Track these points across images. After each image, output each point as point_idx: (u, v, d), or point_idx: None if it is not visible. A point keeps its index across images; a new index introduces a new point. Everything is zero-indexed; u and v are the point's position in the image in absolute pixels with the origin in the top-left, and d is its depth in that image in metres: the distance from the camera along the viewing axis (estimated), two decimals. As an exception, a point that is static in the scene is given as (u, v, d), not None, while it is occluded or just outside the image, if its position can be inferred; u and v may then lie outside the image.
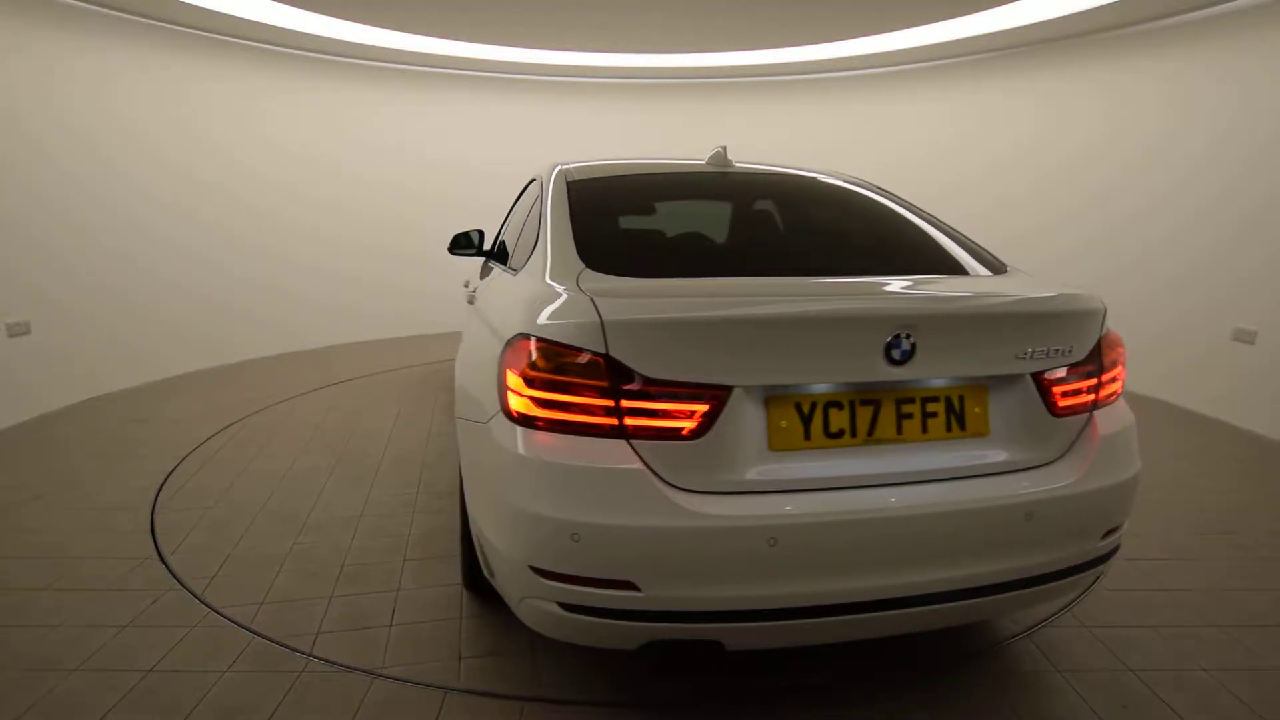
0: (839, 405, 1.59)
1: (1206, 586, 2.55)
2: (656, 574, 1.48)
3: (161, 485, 3.32)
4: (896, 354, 1.55)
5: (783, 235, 2.37)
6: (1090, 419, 1.77)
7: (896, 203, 2.40)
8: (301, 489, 3.30)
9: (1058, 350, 1.69)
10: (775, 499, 1.52)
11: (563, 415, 1.52)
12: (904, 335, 1.54)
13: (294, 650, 2.11)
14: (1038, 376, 1.69)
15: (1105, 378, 1.78)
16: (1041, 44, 5.71)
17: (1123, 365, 1.84)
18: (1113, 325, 1.83)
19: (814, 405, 1.58)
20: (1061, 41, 5.59)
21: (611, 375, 1.49)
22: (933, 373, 1.63)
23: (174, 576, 2.52)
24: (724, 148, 2.51)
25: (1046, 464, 1.71)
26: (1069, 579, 1.74)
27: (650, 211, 2.47)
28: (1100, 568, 1.82)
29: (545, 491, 1.50)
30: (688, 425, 1.51)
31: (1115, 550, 1.83)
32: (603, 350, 1.48)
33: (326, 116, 6.58)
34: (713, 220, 2.48)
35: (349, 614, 2.29)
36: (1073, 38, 5.51)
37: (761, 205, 2.49)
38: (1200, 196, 4.82)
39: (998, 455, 1.68)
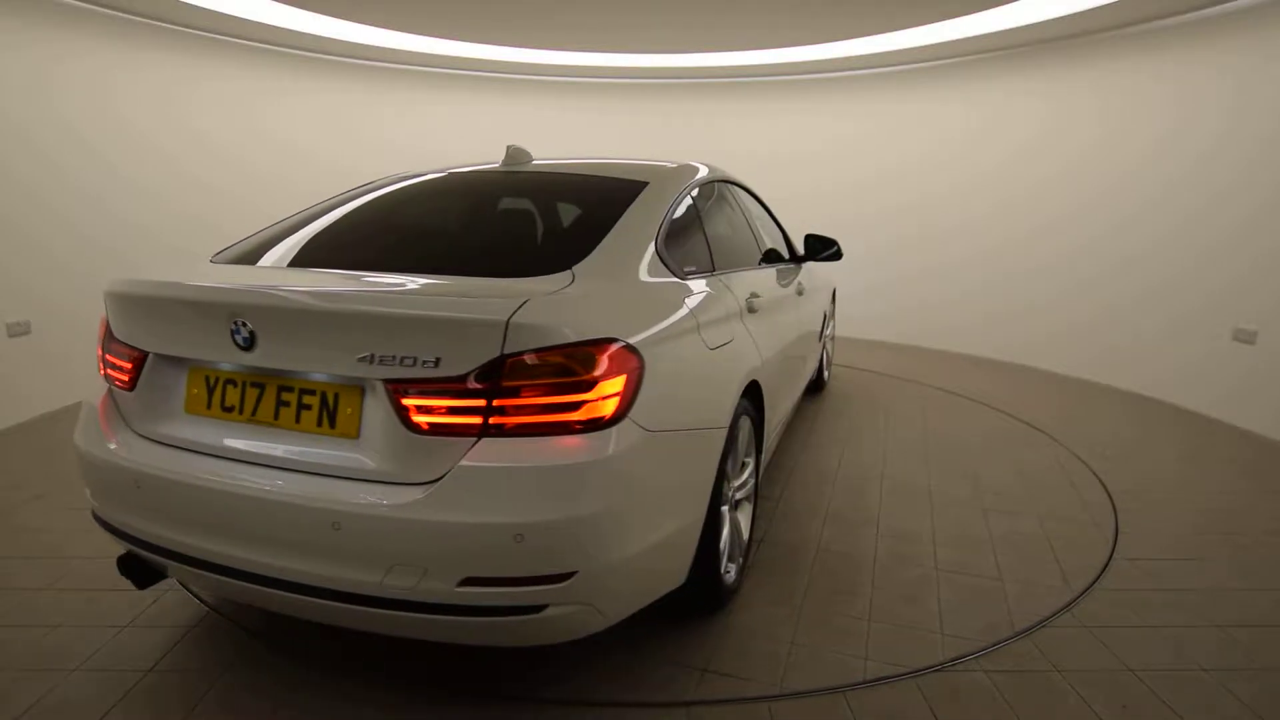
0: (234, 383, 1.76)
1: (1206, 586, 2.55)
2: (94, 489, 1.90)
3: (161, 485, 3.32)
4: (239, 339, 1.65)
5: (428, 233, 2.38)
6: (474, 445, 1.53)
7: (621, 206, 2.19)
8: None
9: (413, 360, 1.51)
10: (167, 452, 1.79)
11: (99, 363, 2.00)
12: (240, 323, 1.63)
13: (293, 650, 2.11)
14: (390, 385, 1.56)
15: (506, 403, 1.52)
16: (1041, 44, 5.71)
17: (563, 395, 1.54)
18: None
19: (217, 379, 1.78)
20: (1060, 42, 5.59)
21: (106, 334, 1.96)
22: (289, 363, 1.66)
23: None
24: (510, 145, 2.71)
25: (407, 483, 1.55)
26: (418, 616, 1.56)
27: (389, 209, 2.47)
28: (464, 619, 1.55)
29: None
30: (123, 379, 1.88)
31: (507, 610, 1.54)
32: (104, 314, 1.96)
33: (331, 117, 6.58)
34: (419, 219, 2.49)
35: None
36: (1072, 38, 5.51)
37: (459, 204, 2.53)
38: (1200, 196, 4.82)
39: (360, 461, 1.60)
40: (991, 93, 6.21)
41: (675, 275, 2.13)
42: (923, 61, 6.50)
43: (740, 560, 2.42)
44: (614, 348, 1.62)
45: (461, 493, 1.51)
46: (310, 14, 5.31)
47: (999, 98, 6.17)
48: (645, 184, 2.35)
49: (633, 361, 1.65)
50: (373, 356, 1.54)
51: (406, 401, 1.55)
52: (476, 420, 1.53)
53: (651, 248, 2.09)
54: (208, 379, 1.78)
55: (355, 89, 6.72)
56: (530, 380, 1.53)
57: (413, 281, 1.74)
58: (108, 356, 1.93)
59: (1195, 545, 2.87)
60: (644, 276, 1.99)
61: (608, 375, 1.59)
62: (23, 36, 4.43)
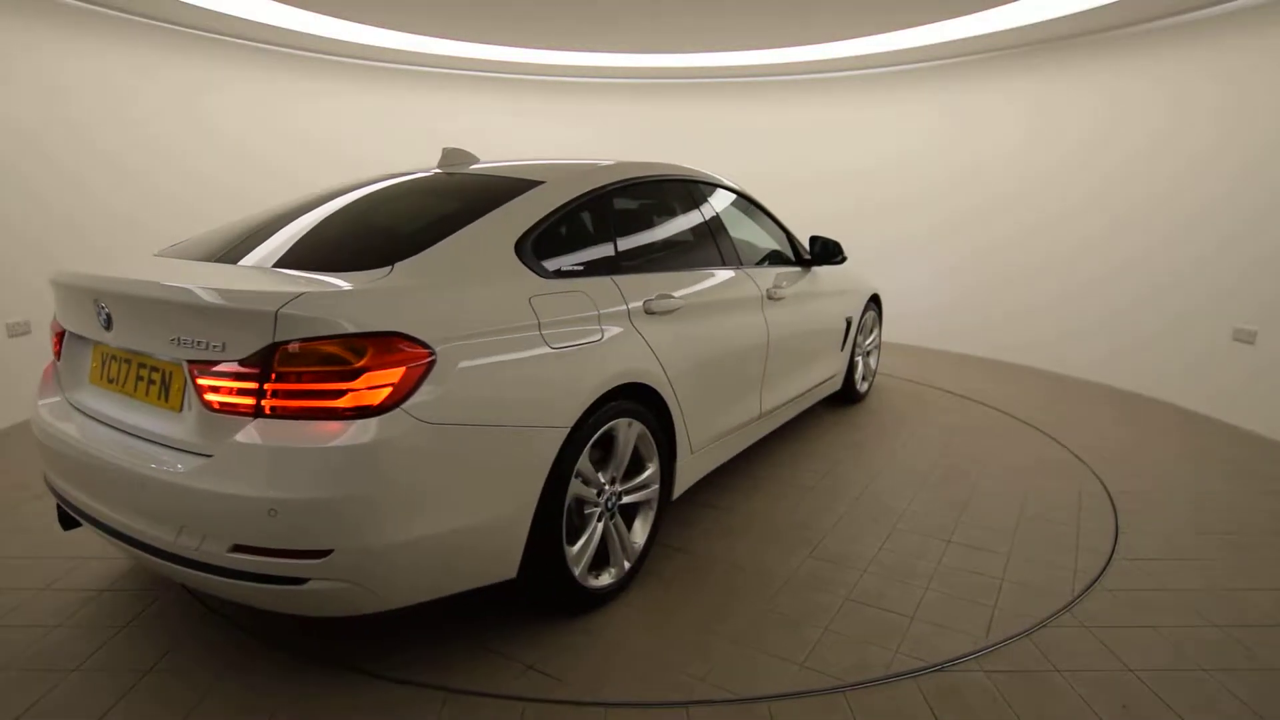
0: (116, 359, 2.00)
1: (1206, 586, 2.55)
2: (38, 449, 2.14)
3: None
4: (102, 321, 1.91)
5: (311, 232, 2.37)
6: (248, 424, 1.67)
7: (493, 206, 2.23)
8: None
9: (204, 344, 1.70)
10: (72, 414, 2.07)
11: None
12: (101, 306, 1.90)
13: (294, 649, 2.12)
14: (191, 365, 1.75)
15: (277, 387, 1.65)
16: (1038, 45, 5.71)
17: (328, 383, 1.65)
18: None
19: (106, 355, 2.04)
20: (1058, 42, 5.59)
21: (54, 315, 2.23)
22: (134, 343, 1.90)
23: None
24: (446, 147, 2.98)
25: (199, 454, 1.72)
26: (205, 575, 1.71)
27: (299, 212, 2.50)
28: (239, 583, 1.70)
29: None
30: (56, 351, 2.20)
31: (273, 579, 1.66)
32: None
33: (335, 117, 6.58)
34: (317, 220, 2.46)
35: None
36: (1069, 38, 5.51)
37: (355, 206, 2.52)
38: (1200, 196, 4.82)
39: (178, 432, 1.80)
40: (991, 93, 6.20)
41: (538, 274, 2.13)
42: (923, 62, 6.49)
43: (626, 565, 2.40)
44: (390, 340, 1.69)
45: (228, 466, 1.66)
46: (314, 15, 5.31)
47: (998, 98, 6.16)
48: (537, 184, 2.37)
49: (418, 355, 1.72)
50: (179, 339, 1.74)
51: (201, 381, 1.74)
52: (251, 401, 1.69)
53: (508, 246, 2.11)
54: (102, 354, 2.06)
55: (371, 89, 6.71)
56: (300, 367, 1.66)
57: (223, 274, 1.98)
58: (52, 334, 2.25)
59: (1195, 545, 2.87)
60: (478, 274, 2.00)
61: (379, 366, 1.68)
62: (28, 38, 4.44)
